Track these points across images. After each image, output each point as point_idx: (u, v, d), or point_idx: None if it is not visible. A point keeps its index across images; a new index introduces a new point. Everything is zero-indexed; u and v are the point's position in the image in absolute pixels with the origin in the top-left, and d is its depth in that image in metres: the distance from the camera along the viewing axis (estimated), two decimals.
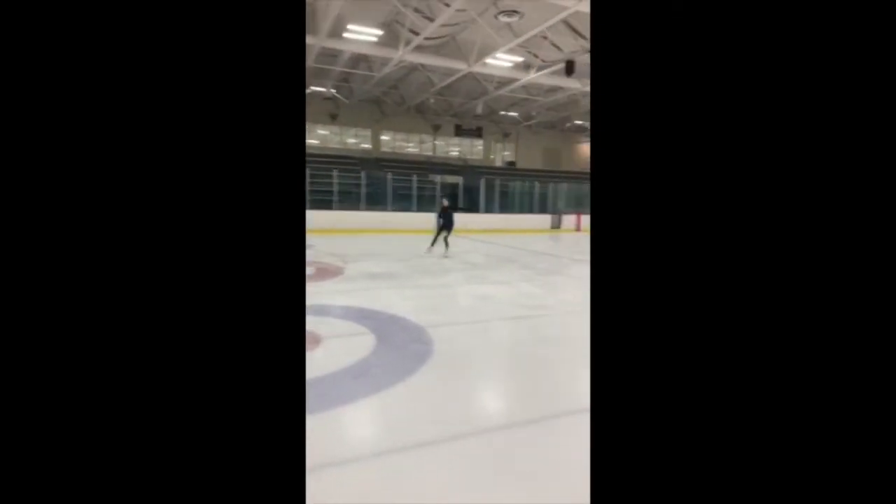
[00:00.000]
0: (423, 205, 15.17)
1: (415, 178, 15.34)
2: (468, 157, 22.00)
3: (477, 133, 21.68)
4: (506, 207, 16.46)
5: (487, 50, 11.38)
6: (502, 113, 19.64)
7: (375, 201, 14.57)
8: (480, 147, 22.41)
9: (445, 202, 8.85)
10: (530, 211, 16.98)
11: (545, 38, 11.32)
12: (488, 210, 15.85)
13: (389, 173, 15.38)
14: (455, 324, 4.00)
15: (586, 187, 18.66)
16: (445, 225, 8.24)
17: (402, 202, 14.97)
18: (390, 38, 11.02)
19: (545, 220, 16.70)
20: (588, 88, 13.89)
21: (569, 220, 17.00)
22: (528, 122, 21.08)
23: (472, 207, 15.57)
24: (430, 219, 14.71)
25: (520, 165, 22.50)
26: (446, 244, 8.23)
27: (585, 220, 17.26)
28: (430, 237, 8.71)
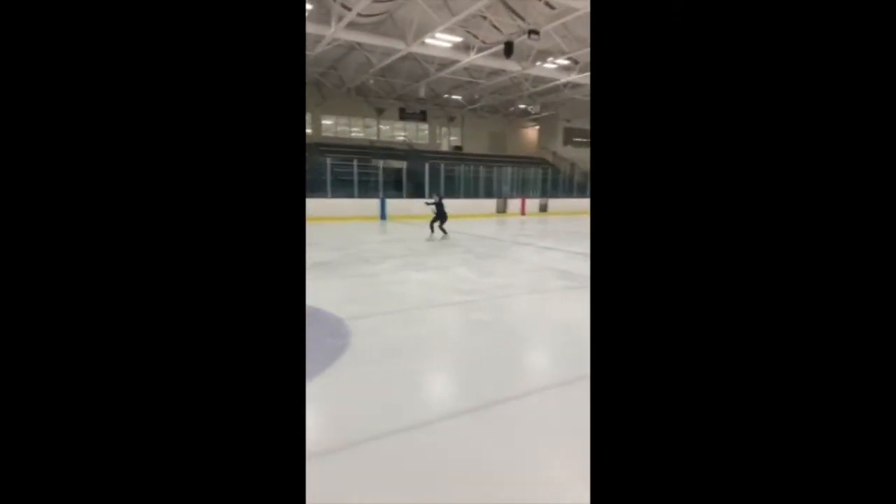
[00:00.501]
0: (366, 191, 14.71)
1: (355, 163, 14.80)
2: (414, 141, 21.58)
3: (422, 117, 21.26)
4: (451, 192, 16.31)
5: (425, 29, 11.02)
6: (446, 96, 19.34)
7: (315, 188, 13.92)
8: (426, 131, 22.04)
9: (436, 196, 9.76)
10: (476, 196, 16.95)
11: (484, 17, 11.12)
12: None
13: (329, 158, 14.74)
14: (379, 314, 3.78)
15: (531, 172, 18.92)
16: (440, 215, 9.08)
17: (344, 188, 14.44)
18: (321, 14, 10.38)
19: (491, 204, 16.74)
20: (529, 71, 13.92)
21: (514, 204, 17.15)
22: (473, 106, 20.93)
23: (417, 193, 15.29)
24: (373, 205, 14.33)
25: (466, 150, 22.38)
26: (443, 231, 9.08)
27: (530, 203, 17.50)
28: (378, 223, 9.05)
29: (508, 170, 18.26)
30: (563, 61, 13.95)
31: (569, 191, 19.72)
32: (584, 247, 8.11)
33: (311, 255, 6.51)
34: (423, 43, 11.66)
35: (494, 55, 12.29)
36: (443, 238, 8.82)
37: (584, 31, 12.25)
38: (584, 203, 18.70)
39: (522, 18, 10.85)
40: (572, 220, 14.86)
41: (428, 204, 9.28)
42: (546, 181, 18.77)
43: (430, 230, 9.15)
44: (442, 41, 11.85)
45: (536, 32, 10.12)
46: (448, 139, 22.91)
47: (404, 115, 20.44)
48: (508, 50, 10.79)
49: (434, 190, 10.72)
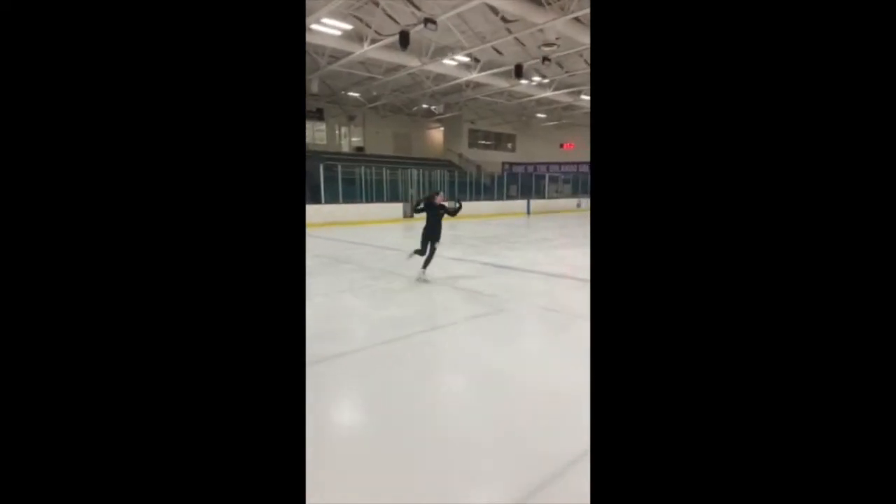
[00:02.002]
0: None
1: None
2: (310, 142, 19.75)
3: (318, 115, 19.54)
4: (351, 196, 14.95)
5: (309, 11, 9.63)
6: (343, 93, 17.90)
7: None
8: (324, 132, 20.33)
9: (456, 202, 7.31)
10: (380, 199, 15.78)
11: (376, 4, 10.06)
12: (331, 200, 14.15)
13: None
14: None
15: (437, 174, 18.22)
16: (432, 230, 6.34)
17: None
18: None
19: (396, 208, 15.69)
20: (429, 67, 13.13)
21: None
22: (374, 104, 19.72)
23: (313, 197, 13.70)
24: None
25: (369, 151, 21.08)
26: (420, 253, 6.12)
27: None
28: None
29: (414, 172, 17.36)
30: (463, 58, 13.38)
31: (476, 193, 19.38)
32: (495, 256, 7.39)
33: None
34: (310, 29, 10.26)
35: (390, 47, 11.28)
36: (409, 257, 5.80)
37: (484, 27, 11.76)
38: (493, 206, 18.47)
39: (418, 7, 9.98)
40: (481, 224, 14.36)
41: (448, 209, 5.64)
42: (453, 183, 18.19)
43: (418, 253, 5.62)
44: (330, 28, 10.55)
45: (433, 21, 9.28)
46: (349, 140, 21.42)
47: None
48: (404, 41, 9.84)
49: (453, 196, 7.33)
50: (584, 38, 11.27)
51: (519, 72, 12.86)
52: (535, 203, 20.11)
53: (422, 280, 5.38)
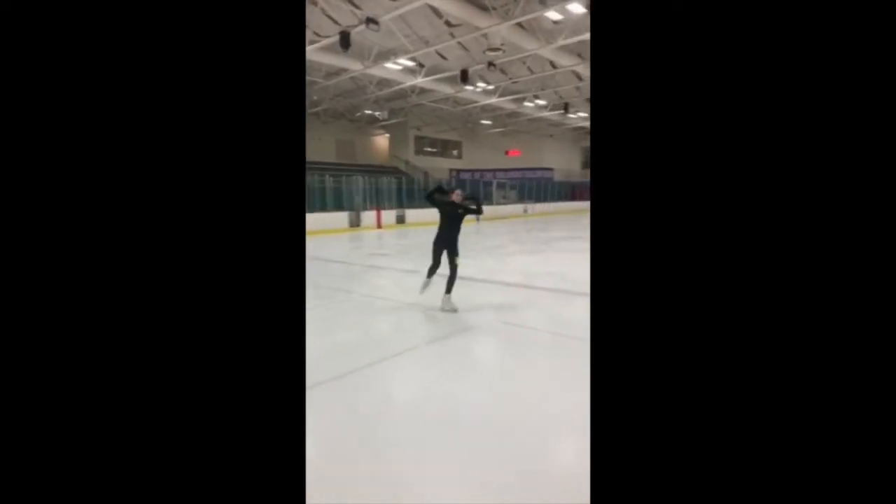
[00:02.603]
0: None
1: None
2: None
3: None
4: None
5: None
6: None
7: None
8: None
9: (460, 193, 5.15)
10: (323, 209, 14.99)
11: (315, 3, 9.47)
12: None
13: None
14: None
15: (384, 181, 17.67)
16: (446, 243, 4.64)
17: None
18: None
19: (342, 217, 14.96)
20: (372, 71, 12.65)
21: (368, 216, 15.65)
22: (315, 110, 18.86)
23: None
24: None
25: (311, 158, 20.11)
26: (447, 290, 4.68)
27: (386, 215, 16.20)
28: None
29: (360, 179, 16.70)
30: (407, 62, 13.03)
31: (425, 200, 19.02)
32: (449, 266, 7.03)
33: None
34: None
35: (330, 49, 10.69)
36: (424, 288, 4.38)
37: (428, 31, 11.49)
38: None
39: (357, 6, 9.50)
40: (432, 232, 14.01)
41: (469, 207, 4.36)
42: (401, 191, 17.70)
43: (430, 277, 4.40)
44: None
45: (375, 21, 8.85)
46: None
47: None
48: (345, 41, 9.31)
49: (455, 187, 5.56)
50: (528, 44, 11.32)
51: (464, 77, 12.71)
52: (484, 210, 20.08)
53: (449, 310, 4.03)
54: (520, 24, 10.65)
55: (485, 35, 10.87)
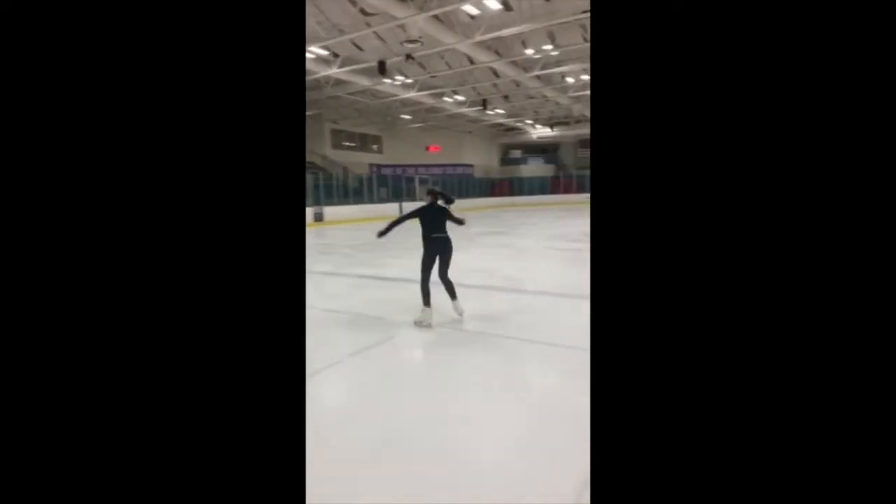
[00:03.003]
0: None
1: None
2: None
3: None
4: None
5: None
6: None
7: None
8: None
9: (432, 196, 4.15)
10: None
11: None
12: None
13: None
14: None
15: None
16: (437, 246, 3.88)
17: None
18: None
19: None
20: None
21: None
22: None
23: None
24: None
25: None
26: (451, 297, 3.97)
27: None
28: None
29: None
30: (320, 51, 12.29)
31: (345, 196, 18.24)
32: (373, 266, 6.67)
33: None
34: None
35: None
36: (421, 321, 3.68)
37: (342, 19, 10.89)
38: (363, 209, 17.55)
39: None
40: (352, 230, 13.42)
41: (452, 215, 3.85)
42: (318, 187, 16.76)
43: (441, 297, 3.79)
44: None
45: None
46: None
47: None
48: None
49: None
50: (446, 37, 11.20)
51: (382, 69, 12.29)
52: (408, 206, 19.82)
53: (460, 317, 3.69)
54: (437, 17, 10.48)
55: (402, 26, 10.55)
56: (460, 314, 3.74)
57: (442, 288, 3.77)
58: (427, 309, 3.68)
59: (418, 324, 3.67)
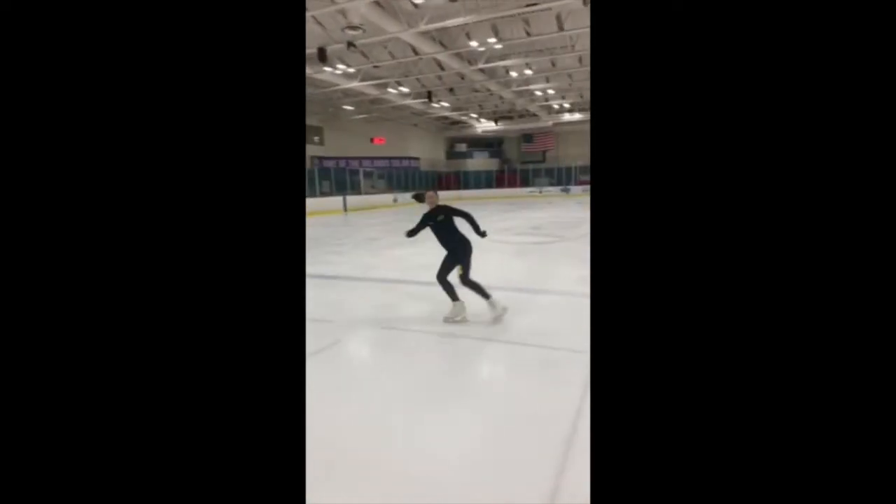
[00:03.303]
0: None
1: None
2: None
3: None
4: None
5: None
6: None
7: None
8: None
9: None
10: None
11: None
12: None
13: None
14: None
15: None
16: (458, 250, 3.72)
17: None
18: None
19: None
20: None
21: None
22: None
23: None
24: None
25: None
26: (480, 294, 3.67)
27: None
28: None
29: None
30: None
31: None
32: (319, 263, 6.35)
33: None
34: None
35: None
36: (455, 315, 3.54)
37: None
38: (307, 203, 16.80)
39: None
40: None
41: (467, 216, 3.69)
42: None
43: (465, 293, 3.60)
44: None
45: None
46: None
47: None
48: None
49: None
50: (389, 25, 10.89)
51: (322, 56, 11.75)
52: (352, 199, 19.27)
53: (499, 313, 3.48)
54: (379, 4, 10.16)
55: (342, 11, 10.12)
56: (502, 311, 3.52)
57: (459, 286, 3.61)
58: (458, 303, 3.51)
59: (448, 320, 3.51)
